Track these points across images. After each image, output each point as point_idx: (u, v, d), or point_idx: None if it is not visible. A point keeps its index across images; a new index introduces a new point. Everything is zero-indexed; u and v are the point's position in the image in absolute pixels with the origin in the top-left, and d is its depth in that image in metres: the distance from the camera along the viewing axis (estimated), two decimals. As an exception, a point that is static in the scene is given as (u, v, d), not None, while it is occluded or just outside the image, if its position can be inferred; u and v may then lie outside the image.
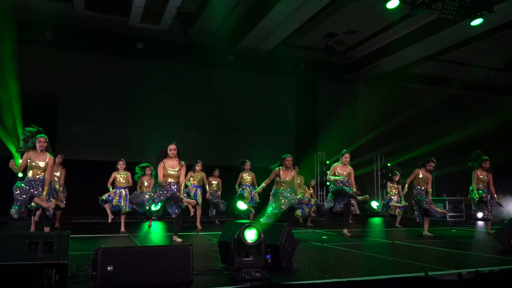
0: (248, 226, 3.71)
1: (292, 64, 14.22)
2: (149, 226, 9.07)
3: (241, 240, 3.63)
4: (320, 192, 14.44)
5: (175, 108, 13.23)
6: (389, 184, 10.38)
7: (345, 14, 11.52)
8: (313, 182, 11.29)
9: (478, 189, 8.14)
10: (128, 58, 12.98)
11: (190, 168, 8.98)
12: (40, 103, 12.01)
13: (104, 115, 12.76)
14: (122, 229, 8.19)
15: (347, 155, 7.59)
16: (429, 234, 7.74)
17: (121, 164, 8.39)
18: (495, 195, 8.20)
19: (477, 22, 10.17)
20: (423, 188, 7.83)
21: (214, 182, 10.07)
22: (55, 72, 12.28)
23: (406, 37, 12.39)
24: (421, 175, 7.88)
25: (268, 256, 4.04)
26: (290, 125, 14.92)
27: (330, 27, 12.47)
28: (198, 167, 9.45)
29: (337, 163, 7.69)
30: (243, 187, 9.88)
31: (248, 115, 14.07)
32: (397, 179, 10.31)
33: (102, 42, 12.37)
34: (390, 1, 9.73)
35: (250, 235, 3.66)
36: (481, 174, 8.19)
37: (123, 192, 8.25)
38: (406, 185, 8.13)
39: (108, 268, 3.21)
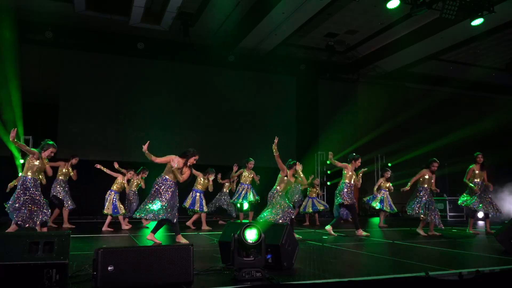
0: (249, 226, 3.71)
1: (293, 64, 14.23)
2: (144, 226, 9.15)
3: (241, 240, 3.63)
4: (321, 192, 14.42)
5: (176, 107, 13.24)
6: (381, 180, 10.38)
7: (346, 14, 11.52)
8: (316, 181, 11.20)
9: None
10: (129, 58, 12.99)
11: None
12: (41, 102, 12.05)
13: (104, 115, 12.77)
14: (105, 227, 8.31)
15: (360, 160, 7.88)
16: (423, 233, 7.83)
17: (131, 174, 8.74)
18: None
19: (477, 22, 10.16)
20: (427, 188, 7.90)
21: (227, 184, 10.12)
22: (56, 72, 12.30)
23: (406, 37, 12.38)
24: (427, 176, 7.93)
25: (269, 256, 4.04)
26: (290, 125, 14.91)
27: (331, 27, 12.47)
28: (211, 175, 9.08)
29: (349, 164, 7.82)
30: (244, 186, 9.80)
31: (248, 115, 14.07)
32: (388, 175, 10.28)
33: (102, 42, 12.38)
34: (391, 1, 9.72)
35: (251, 235, 3.66)
36: (476, 169, 8.29)
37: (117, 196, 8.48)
38: (409, 184, 8.11)
39: (109, 268, 3.21)
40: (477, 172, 8.24)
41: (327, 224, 7.92)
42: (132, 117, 12.85)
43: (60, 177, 8.82)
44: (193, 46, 12.60)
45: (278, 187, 6.99)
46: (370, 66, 14.75)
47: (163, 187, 6.10)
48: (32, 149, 6.20)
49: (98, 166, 8.50)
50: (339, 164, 7.77)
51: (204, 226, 8.87)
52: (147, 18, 11.05)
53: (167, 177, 6.17)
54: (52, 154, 6.31)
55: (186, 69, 13.55)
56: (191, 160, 6.25)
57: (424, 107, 14.70)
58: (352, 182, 7.71)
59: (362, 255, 5.57)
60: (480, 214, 8.84)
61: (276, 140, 6.83)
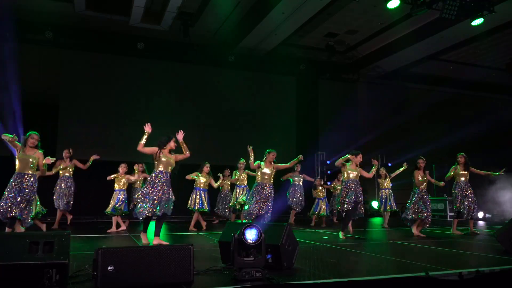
0: (249, 226, 3.71)
1: (293, 64, 14.23)
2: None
3: (241, 240, 3.62)
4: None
5: (176, 107, 13.23)
6: (380, 180, 10.32)
7: (346, 14, 11.52)
8: (317, 181, 11.02)
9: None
10: (129, 58, 12.99)
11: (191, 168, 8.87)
12: (41, 102, 12.04)
13: (104, 115, 12.77)
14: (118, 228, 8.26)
15: (360, 156, 7.48)
16: (421, 235, 7.72)
17: (122, 167, 8.43)
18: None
19: (477, 22, 10.17)
20: (422, 188, 7.84)
21: (228, 183, 10.09)
22: (55, 72, 12.30)
23: (406, 37, 12.39)
24: (420, 178, 7.87)
25: (269, 256, 4.04)
26: (290, 125, 14.91)
27: (331, 27, 12.47)
28: (206, 168, 8.92)
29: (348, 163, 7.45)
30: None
31: (248, 115, 14.07)
32: (383, 174, 10.18)
33: (102, 42, 12.39)
34: (391, 1, 9.73)
35: (251, 235, 3.66)
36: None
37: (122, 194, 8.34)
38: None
39: (109, 268, 3.21)
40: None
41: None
42: (132, 117, 12.82)
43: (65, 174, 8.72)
44: (193, 46, 12.60)
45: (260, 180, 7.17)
46: (370, 66, 14.75)
47: (152, 181, 5.99)
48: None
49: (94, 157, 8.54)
50: (340, 164, 7.41)
51: (192, 227, 8.60)
52: (147, 18, 11.05)
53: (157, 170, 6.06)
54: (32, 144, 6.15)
55: (186, 69, 13.55)
56: (171, 145, 6.19)
57: (424, 107, 14.70)
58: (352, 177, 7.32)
59: (362, 255, 5.57)
60: (480, 214, 8.85)
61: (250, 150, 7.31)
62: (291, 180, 10.45)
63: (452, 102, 15.94)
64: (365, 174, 7.54)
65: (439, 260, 5.00)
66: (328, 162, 14.70)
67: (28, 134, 6.23)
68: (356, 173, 7.33)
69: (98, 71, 12.73)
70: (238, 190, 9.91)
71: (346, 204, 7.15)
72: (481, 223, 11.35)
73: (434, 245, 6.47)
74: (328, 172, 14.69)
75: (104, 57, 12.85)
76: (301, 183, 10.46)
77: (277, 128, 14.20)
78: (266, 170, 7.24)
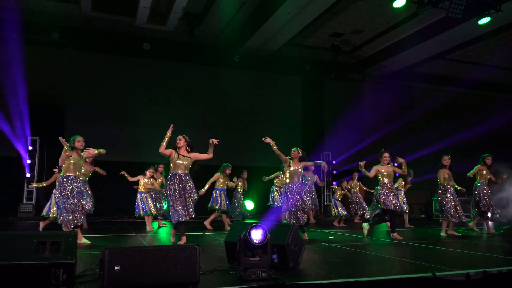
0: (255, 226, 3.71)
1: (298, 64, 14.22)
2: (160, 226, 9.13)
3: (247, 240, 3.62)
4: (326, 192, 14.41)
5: (181, 108, 13.26)
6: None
7: (351, 13, 11.49)
8: (344, 184, 11.03)
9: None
10: (134, 58, 13.04)
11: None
12: (47, 103, 12.12)
13: (110, 115, 12.82)
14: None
15: (387, 154, 7.29)
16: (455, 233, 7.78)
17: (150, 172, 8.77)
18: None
19: (484, 21, 10.09)
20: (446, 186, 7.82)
21: (240, 183, 10.09)
22: (61, 72, 12.39)
23: (412, 37, 12.32)
24: (446, 175, 7.83)
25: (275, 256, 4.03)
26: (296, 125, 14.90)
27: (336, 27, 12.44)
28: (229, 170, 8.96)
29: (378, 164, 7.29)
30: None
31: (253, 114, 14.08)
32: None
33: (108, 43, 12.45)
34: (397, 0, 9.69)
35: (257, 235, 3.66)
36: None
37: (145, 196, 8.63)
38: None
39: (116, 268, 3.22)
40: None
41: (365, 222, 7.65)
42: (137, 117, 12.89)
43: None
44: (198, 47, 12.63)
45: (288, 180, 6.83)
46: (375, 66, 14.70)
47: (168, 184, 6.15)
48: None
49: (123, 173, 8.70)
50: (374, 173, 7.21)
51: (227, 227, 8.61)
52: (153, 18, 11.08)
53: (173, 172, 6.24)
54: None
55: (192, 69, 13.59)
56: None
57: (431, 106, 14.63)
58: (386, 181, 7.13)
59: (368, 256, 5.55)
60: (488, 214, 8.79)
61: (269, 141, 6.94)
62: (302, 178, 10.46)
63: (458, 102, 15.85)
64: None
65: (446, 261, 4.97)
66: (334, 162, 14.67)
67: (75, 137, 6.57)
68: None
69: (104, 72, 12.80)
70: None
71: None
72: (489, 223, 11.22)
73: (441, 245, 6.44)
74: (334, 172, 14.65)
75: (110, 57, 12.92)
76: (311, 183, 10.48)
77: (282, 128, 14.14)
78: (296, 168, 6.87)
